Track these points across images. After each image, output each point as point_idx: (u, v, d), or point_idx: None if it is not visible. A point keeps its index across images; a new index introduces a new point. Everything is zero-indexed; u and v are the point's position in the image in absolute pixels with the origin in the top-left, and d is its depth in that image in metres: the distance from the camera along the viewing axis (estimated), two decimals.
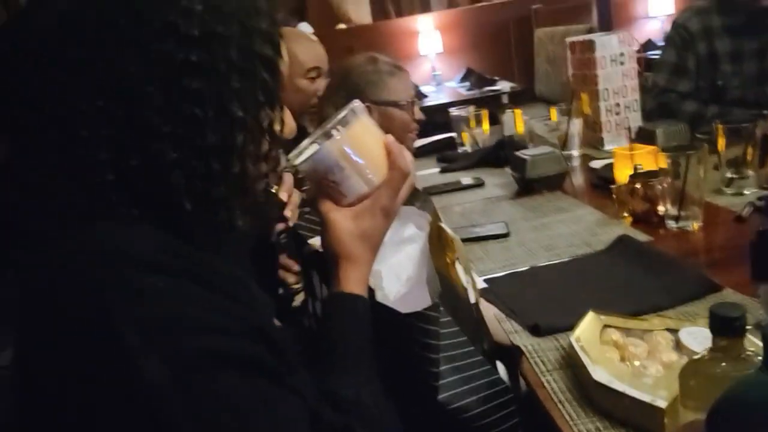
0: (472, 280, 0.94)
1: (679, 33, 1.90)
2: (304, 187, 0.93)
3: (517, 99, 3.71)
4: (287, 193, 0.87)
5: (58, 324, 0.48)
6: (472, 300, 0.92)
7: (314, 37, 1.90)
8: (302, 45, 1.75)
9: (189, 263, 0.52)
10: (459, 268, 0.93)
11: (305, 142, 0.67)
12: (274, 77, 0.59)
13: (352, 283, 0.66)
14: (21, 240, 0.54)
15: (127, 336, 0.46)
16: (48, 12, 0.55)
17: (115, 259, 0.49)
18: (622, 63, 1.80)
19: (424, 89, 4.58)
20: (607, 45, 1.78)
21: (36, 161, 0.55)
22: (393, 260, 0.80)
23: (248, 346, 0.52)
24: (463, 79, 4.53)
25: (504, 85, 3.99)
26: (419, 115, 1.68)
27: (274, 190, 0.82)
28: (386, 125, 1.49)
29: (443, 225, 0.94)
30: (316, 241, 0.86)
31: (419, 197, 0.95)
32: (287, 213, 0.87)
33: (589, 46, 1.80)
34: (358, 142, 0.66)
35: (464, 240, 1.31)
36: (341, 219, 0.67)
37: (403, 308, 0.72)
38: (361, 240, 0.67)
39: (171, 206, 0.54)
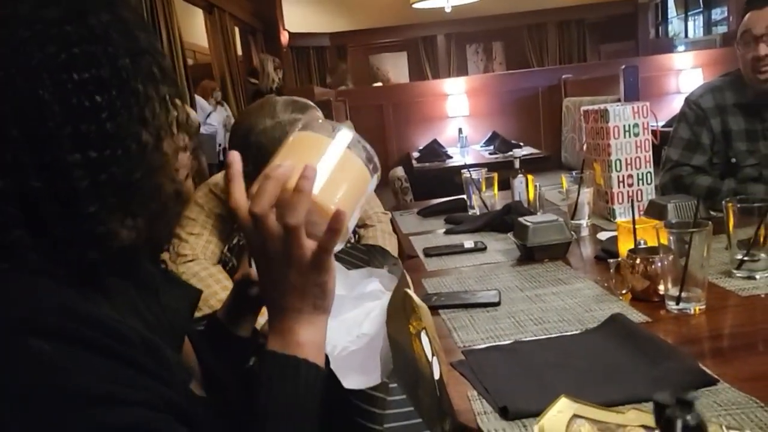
0: (438, 353, 0.86)
1: (692, 109, 1.85)
2: None
3: (542, 165, 3.67)
4: None
5: None
6: (437, 375, 0.85)
7: None
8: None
9: (87, 326, 0.47)
10: (424, 339, 0.86)
11: None
12: None
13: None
14: None
15: None
16: None
17: (7, 320, 0.45)
18: (635, 134, 1.74)
19: (449, 150, 4.60)
20: (621, 115, 1.74)
21: None
22: (348, 315, 0.73)
23: (140, 414, 0.46)
24: (488, 142, 4.52)
25: (528, 151, 3.97)
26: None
27: None
28: None
29: (410, 292, 0.88)
30: None
31: (389, 260, 0.89)
32: None
33: (603, 115, 1.76)
34: None
35: (452, 306, 1.25)
36: None
37: (345, 369, 0.65)
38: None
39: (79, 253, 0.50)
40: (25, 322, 0.45)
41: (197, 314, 0.79)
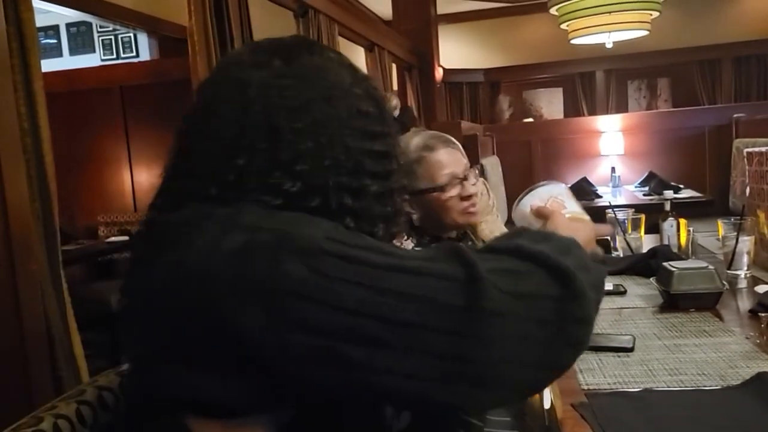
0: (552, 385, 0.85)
1: None
2: None
3: (705, 210, 3.40)
4: None
5: None
6: (546, 404, 0.84)
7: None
8: None
9: None
10: None
11: None
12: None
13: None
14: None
15: None
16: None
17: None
18: None
19: (600, 189, 4.42)
20: None
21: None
22: None
23: None
24: (643, 183, 4.28)
25: (689, 194, 3.69)
26: (470, 190, 1.45)
27: None
28: (427, 213, 1.43)
29: None
30: None
31: None
32: None
33: None
34: None
35: None
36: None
37: None
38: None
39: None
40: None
41: None
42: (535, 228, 0.90)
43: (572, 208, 0.94)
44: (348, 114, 0.70)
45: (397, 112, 4.92)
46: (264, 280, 0.57)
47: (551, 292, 0.61)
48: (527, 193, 0.98)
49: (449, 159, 1.44)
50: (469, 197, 1.45)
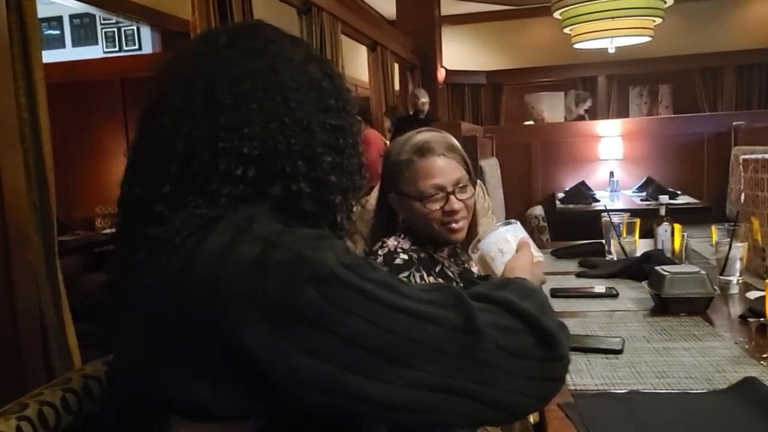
0: None
1: None
2: None
3: (702, 217, 3.40)
4: None
5: None
6: (532, 419, 0.84)
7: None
8: None
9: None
10: None
11: None
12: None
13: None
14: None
15: None
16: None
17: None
18: None
19: (598, 194, 4.42)
20: None
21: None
22: None
23: None
24: (641, 188, 4.28)
25: (686, 200, 3.70)
26: (454, 206, 1.31)
27: None
28: (411, 217, 1.35)
29: None
30: None
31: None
32: None
33: (765, 165, 1.62)
34: None
35: (570, 349, 1.21)
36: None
37: None
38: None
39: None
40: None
41: None
42: (499, 263, 1.03)
43: (536, 252, 1.04)
44: (296, 85, 0.71)
45: (426, 108, 4.91)
46: (276, 300, 0.58)
47: (537, 354, 0.67)
48: (490, 234, 1.06)
49: (440, 169, 1.31)
50: (452, 213, 1.31)
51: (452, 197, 1.30)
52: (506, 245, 1.03)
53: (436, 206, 1.30)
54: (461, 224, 1.33)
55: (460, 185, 1.32)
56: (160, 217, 0.66)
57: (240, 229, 0.62)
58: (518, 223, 1.10)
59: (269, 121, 0.68)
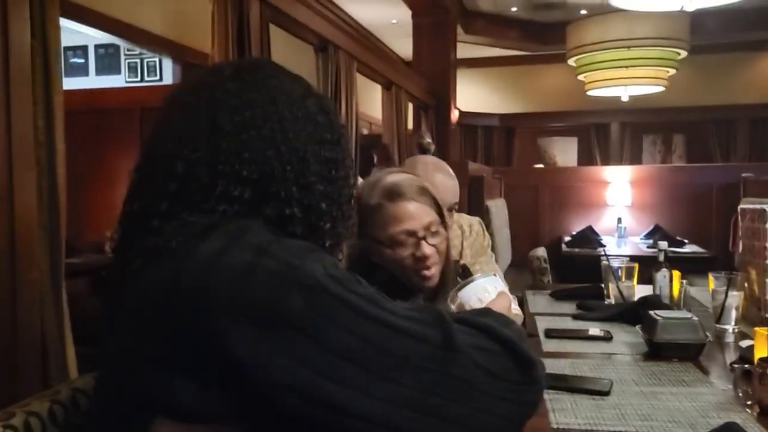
0: None
1: None
2: None
3: (708, 266, 3.39)
4: None
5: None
6: None
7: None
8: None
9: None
10: None
11: None
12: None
13: None
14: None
15: None
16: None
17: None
18: None
19: (605, 239, 4.42)
20: None
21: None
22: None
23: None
24: (649, 235, 4.28)
25: (692, 249, 3.68)
26: (425, 251, 1.24)
27: None
28: (383, 261, 1.26)
29: None
30: None
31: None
32: None
33: (761, 215, 1.63)
34: None
35: (557, 388, 1.22)
36: None
37: None
38: None
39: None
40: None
41: None
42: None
43: (514, 305, 1.13)
44: (293, 117, 0.76)
45: (432, 148, 4.98)
46: (263, 305, 0.61)
47: (513, 377, 0.69)
48: (469, 284, 1.05)
49: (410, 214, 1.25)
50: (423, 258, 1.25)
51: (423, 243, 1.25)
52: (485, 295, 1.02)
53: (407, 252, 1.25)
54: (433, 270, 1.27)
55: (432, 230, 1.26)
56: (156, 230, 0.69)
57: (233, 237, 0.66)
58: (498, 276, 1.11)
59: (267, 147, 0.73)
